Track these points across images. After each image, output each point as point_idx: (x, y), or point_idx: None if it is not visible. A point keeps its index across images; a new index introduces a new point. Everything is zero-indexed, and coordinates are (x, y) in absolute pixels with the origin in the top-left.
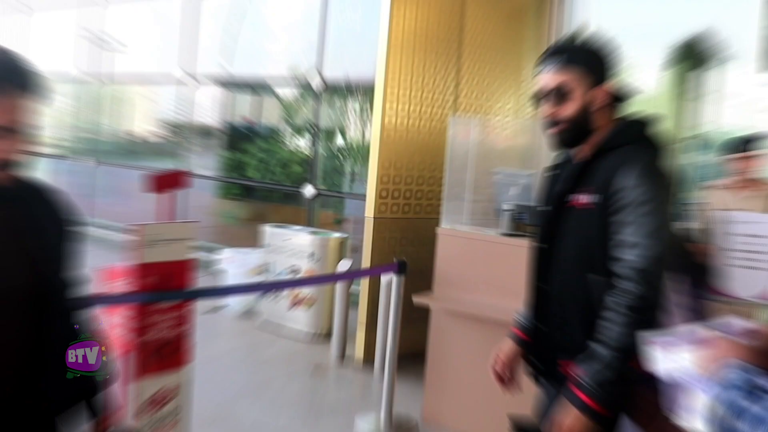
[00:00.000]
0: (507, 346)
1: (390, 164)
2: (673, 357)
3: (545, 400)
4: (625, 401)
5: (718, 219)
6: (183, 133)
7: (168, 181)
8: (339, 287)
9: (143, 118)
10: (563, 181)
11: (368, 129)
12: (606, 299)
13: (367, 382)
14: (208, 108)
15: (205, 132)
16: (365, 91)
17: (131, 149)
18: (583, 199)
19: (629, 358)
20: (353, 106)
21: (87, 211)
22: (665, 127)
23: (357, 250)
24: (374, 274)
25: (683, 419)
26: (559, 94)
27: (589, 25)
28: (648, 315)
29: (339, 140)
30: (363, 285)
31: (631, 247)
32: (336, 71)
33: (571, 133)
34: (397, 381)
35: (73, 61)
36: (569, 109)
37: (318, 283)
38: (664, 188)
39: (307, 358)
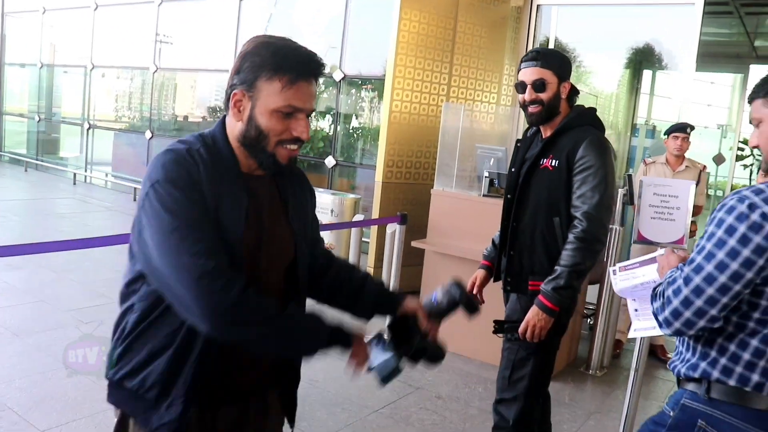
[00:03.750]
0: (479, 274)
1: (395, 140)
2: (634, 275)
3: (516, 307)
4: (571, 301)
5: (645, 183)
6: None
7: None
8: (353, 235)
9: (187, 101)
10: (538, 150)
11: (377, 113)
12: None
13: None
14: None
15: None
16: (376, 82)
17: (178, 127)
18: (550, 163)
19: (578, 273)
20: (366, 94)
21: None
22: (620, 117)
23: (366, 210)
24: (382, 223)
25: (641, 327)
26: (539, 85)
27: (555, 34)
28: (592, 245)
29: (354, 122)
30: (372, 235)
31: (583, 197)
32: (353, 66)
33: (545, 113)
34: None
35: (130, 52)
36: (546, 96)
37: (338, 228)
38: (608, 157)
39: None
